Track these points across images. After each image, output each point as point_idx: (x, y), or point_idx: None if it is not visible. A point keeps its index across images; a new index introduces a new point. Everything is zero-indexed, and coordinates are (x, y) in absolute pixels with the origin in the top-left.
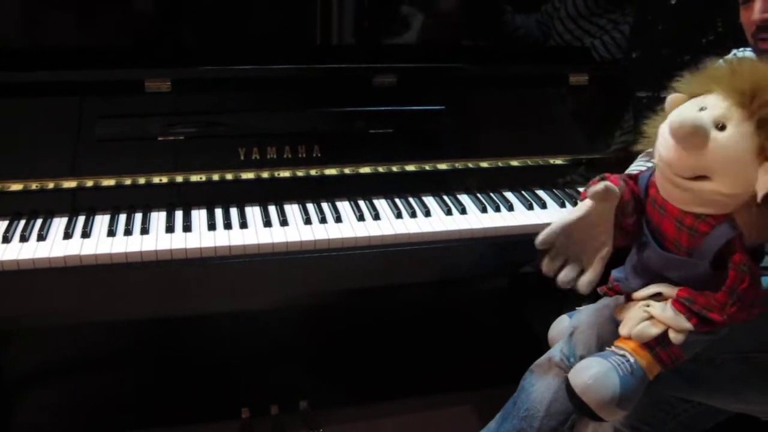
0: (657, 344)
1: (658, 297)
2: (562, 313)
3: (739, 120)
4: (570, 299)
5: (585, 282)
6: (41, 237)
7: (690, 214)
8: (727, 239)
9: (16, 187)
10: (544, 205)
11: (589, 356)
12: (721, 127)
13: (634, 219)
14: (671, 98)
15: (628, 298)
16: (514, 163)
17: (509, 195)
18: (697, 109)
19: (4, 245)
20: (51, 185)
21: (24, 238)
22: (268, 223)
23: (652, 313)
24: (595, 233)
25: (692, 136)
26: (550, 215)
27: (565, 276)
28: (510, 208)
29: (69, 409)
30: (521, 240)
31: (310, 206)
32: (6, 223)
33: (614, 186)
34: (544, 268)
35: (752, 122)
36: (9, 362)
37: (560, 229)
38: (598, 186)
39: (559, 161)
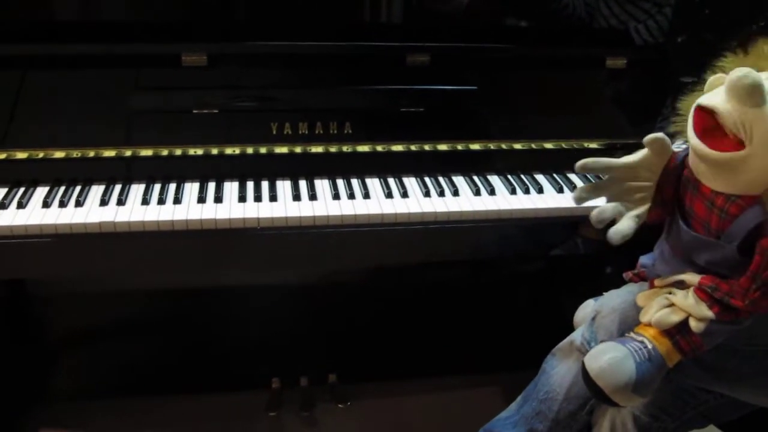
0: (677, 332)
1: (681, 285)
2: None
3: None
4: (603, 284)
5: (614, 231)
6: (79, 203)
7: (721, 195)
8: (757, 223)
9: (59, 154)
10: (574, 189)
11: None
12: None
13: (673, 191)
14: (712, 79)
15: (653, 286)
16: (548, 145)
17: (540, 177)
18: None
19: (44, 210)
20: (91, 154)
21: (63, 204)
22: (297, 197)
23: (673, 301)
24: (638, 188)
25: (752, 88)
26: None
27: (599, 213)
28: (540, 190)
29: (105, 372)
30: (550, 223)
31: (339, 182)
32: (47, 189)
33: (669, 141)
34: (575, 195)
35: None
36: (50, 325)
37: (607, 165)
38: (657, 135)
39: (594, 145)
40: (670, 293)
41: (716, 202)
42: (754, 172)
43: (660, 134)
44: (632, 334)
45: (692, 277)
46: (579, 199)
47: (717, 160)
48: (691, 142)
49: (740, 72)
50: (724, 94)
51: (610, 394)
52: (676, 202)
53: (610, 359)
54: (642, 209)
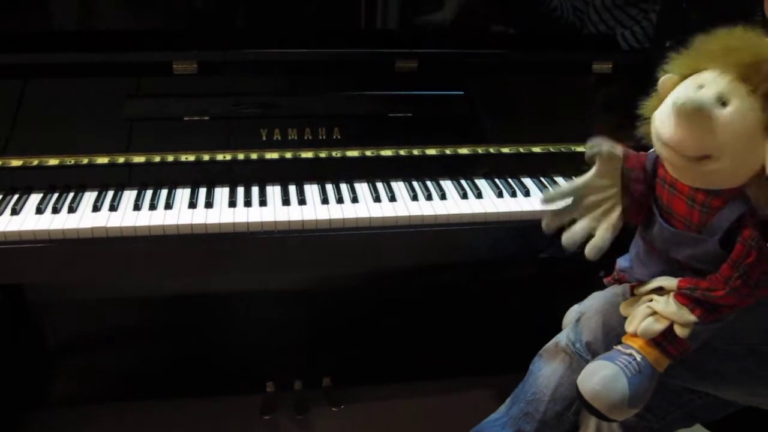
0: (663, 339)
1: (660, 291)
2: None
3: (742, 95)
4: (595, 287)
5: (590, 246)
6: (72, 209)
7: (702, 190)
8: (739, 214)
9: (53, 162)
10: None
11: (596, 346)
12: (723, 104)
13: (643, 188)
14: (663, 80)
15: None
16: (536, 149)
17: (527, 181)
18: (695, 88)
19: (38, 216)
20: (85, 161)
21: (56, 210)
22: (286, 201)
23: (655, 308)
24: (604, 197)
25: (696, 115)
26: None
27: (570, 237)
28: (526, 193)
29: (102, 377)
30: (537, 225)
31: (328, 186)
32: (41, 195)
33: (615, 148)
34: (544, 223)
35: (757, 96)
36: (48, 330)
37: (567, 190)
38: (594, 148)
39: (581, 149)
40: (651, 300)
41: (697, 198)
42: (728, 174)
43: (597, 146)
44: (620, 347)
45: (670, 282)
46: (548, 227)
47: (688, 164)
48: (662, 152)
49: (677, 102)
50: (672, 117)
51: (606, 413)
52: (653, 200)
53: (602, 379)
54: (614, 217)
